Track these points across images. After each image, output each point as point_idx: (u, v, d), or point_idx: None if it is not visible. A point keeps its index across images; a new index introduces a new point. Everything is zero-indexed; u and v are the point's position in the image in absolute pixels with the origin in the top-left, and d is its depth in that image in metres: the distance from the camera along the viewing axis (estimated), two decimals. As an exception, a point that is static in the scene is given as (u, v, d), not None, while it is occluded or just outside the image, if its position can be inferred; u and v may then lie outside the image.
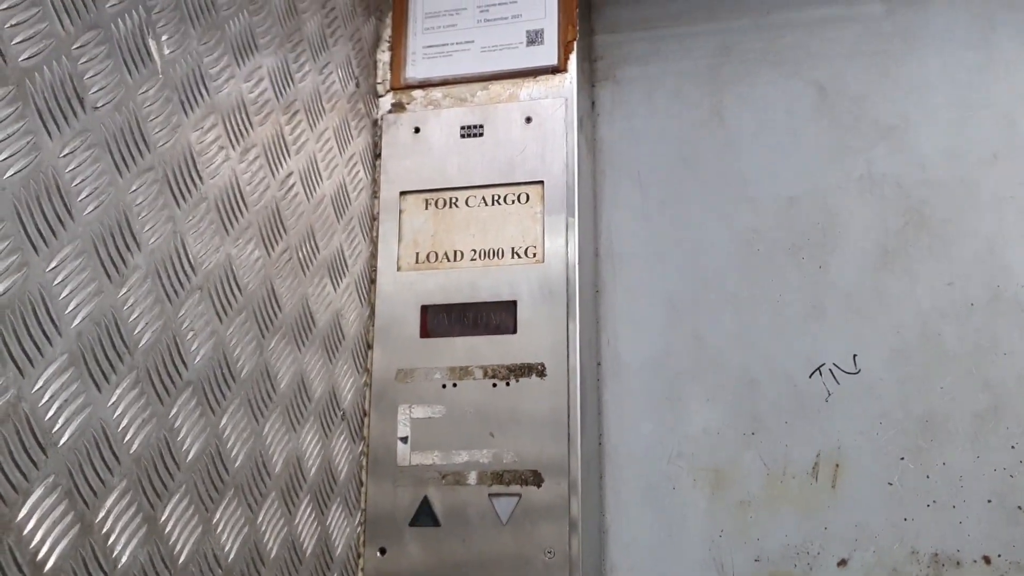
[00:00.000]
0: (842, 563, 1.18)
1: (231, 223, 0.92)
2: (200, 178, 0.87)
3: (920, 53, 1.30)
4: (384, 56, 1.31)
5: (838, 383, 1.22)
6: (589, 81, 1.39)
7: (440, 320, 1.20)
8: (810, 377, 1.23)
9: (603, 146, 1.39)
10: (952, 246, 1.23)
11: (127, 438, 0.75)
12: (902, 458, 1.19)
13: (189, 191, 0.86)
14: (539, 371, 1.16)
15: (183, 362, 0.83)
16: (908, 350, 1.21)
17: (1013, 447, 1.16)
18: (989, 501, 1.15)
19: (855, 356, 1.23)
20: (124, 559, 0.73)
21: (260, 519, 0.93)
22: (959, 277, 1.22)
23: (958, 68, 1.28)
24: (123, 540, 0.73)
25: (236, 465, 0.89)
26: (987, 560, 1.14)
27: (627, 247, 1.34)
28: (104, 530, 0.71)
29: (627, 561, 1.24)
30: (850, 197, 1.28)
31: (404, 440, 1.17)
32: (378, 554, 1.15)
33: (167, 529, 0.79)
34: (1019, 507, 1.14)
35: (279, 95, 1.03)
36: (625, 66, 1.41)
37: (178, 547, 0.80)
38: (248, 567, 0.90)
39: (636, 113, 1.39)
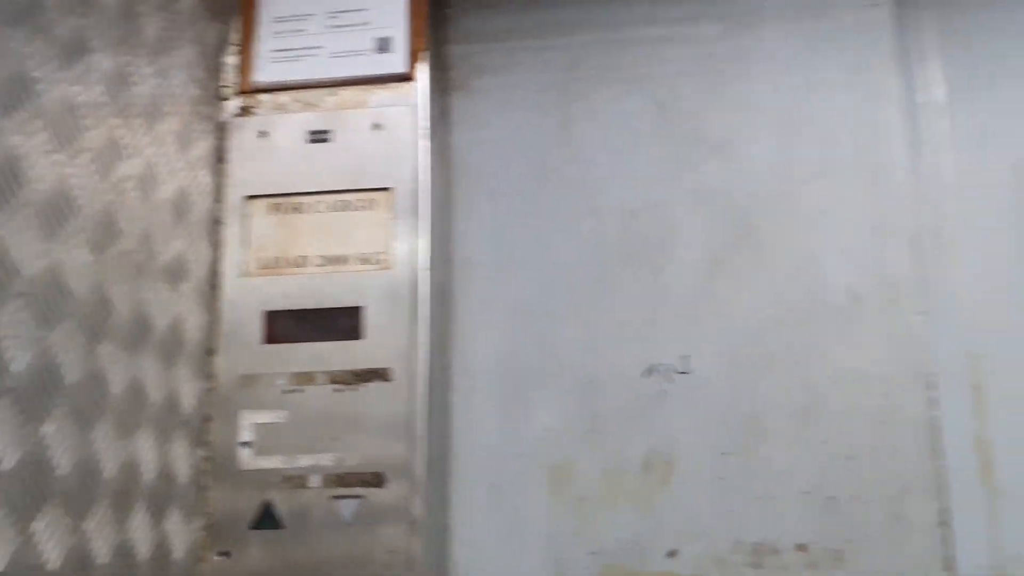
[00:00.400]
0: (672, 554, 1.24)
1: (59, 227, 0.90)
2: (24, 182, 0.86)
3: (750, 74, 1.39)
4: (231, 59, 1.30)
5: (672, 384, 1.29)
6: (442, 90, 1.42)
7: (284, 326, 1.21)
8: (645, 378, 1.30)
9: (456, 155, 1.42)
10: (776, 256, 1.32)
11: (-66, 448, 0.73)
12: (728, 454, 1.26)
13: (13, 193, 0.84)
14: (384, 376, 1.18)
15: (2, 369, 0.81)
16: (735, 353, 1.29)
17: (825, 442, 1.25)
18: (805, 493, 1.24)
19: (687, 358, 1.30)
20: (-71, 572, 0.72)
21: (87, 526, 0.92)
22: (782, 285, 1.31)
23: (784, 88, 1.37)
24: (-72, 552, 0.72)
25: (60, 473, 0.88)
26: (802, 547, 1.23)
27: (478, 254, 1.38)
28: (-94, 543, 0.70)
29: (469, 559, 1.27)
30: (684, 209, 1.35)
31: (246, 445, 1.17)
32: (220, 557, 1.15)
33: (-20, 540, 0.77)
34: (830, 497, 1.23)
35: (113, 98, 1.02)
36: (479, 76, 1.45)
37: (-8, 558, 0.79)
38: (75, 575, 0.89)
39: (489, 123, 1.43)
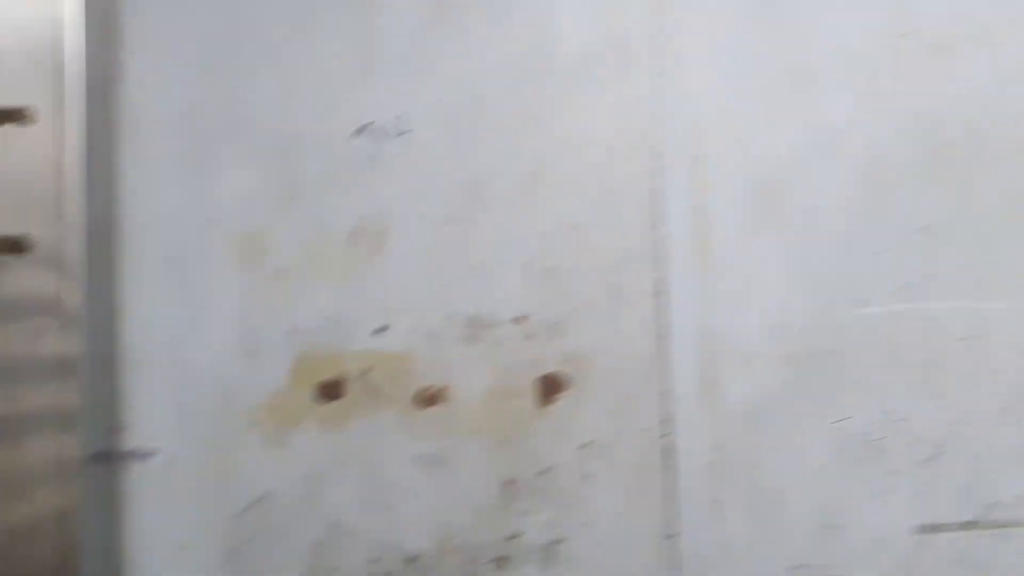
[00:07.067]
0: (381, 330, 1.13)
1: None
2: None
3: None
4: None
5: (384, 145, 1.14)
6: None
7: None
8: (355, 138, 1.14)
9: None
10: (507, 5, 1.17)
11: None
12: (446, 223, 1.15)
13: None
14: (20, 116, 0.93)
15: None
16: (456, 113, 1.15)
17: (547, 211, 1.16)
18: (526, 263, 1.16)
19: (404, 117, 1.14)
20: None
21: None
22: (510, 40, 1.17)
23: None
24: None
25: None
26: (520, 319, 1.15)
27: (150, -17, 1.08)
28: None
29: (146, 343, 1.09)
30: (403, -60, 1.14)
31: None
32: None
33: None
34: (551, 268, 1.16)
35: None
36: None
37: None
38: None
39: None
